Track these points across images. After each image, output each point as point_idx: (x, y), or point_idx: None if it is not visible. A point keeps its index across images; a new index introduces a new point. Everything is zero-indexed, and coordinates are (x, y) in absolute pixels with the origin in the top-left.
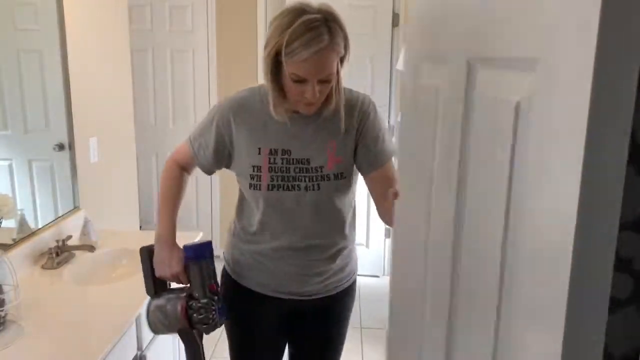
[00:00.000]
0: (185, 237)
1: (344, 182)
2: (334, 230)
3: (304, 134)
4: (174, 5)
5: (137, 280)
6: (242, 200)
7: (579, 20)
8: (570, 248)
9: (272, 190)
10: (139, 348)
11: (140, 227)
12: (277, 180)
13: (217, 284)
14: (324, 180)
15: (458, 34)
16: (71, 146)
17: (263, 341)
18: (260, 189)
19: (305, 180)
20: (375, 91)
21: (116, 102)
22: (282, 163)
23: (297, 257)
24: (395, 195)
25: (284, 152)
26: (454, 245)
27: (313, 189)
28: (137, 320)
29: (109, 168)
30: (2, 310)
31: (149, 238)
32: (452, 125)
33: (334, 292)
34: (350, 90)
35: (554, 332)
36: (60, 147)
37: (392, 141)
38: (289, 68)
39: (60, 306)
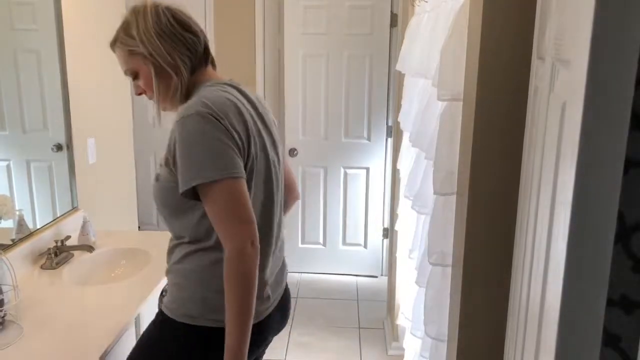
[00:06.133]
0: None
1: (159, 185)
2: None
3: None
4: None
5: (136, 280)
6: None
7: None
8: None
9: None
10: None
11: (139, 227)
12: None
13: None
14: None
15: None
16: (69, 147)
17: None
18: None
19: None
20: (373, 91)
21: (114, 102)
22: None
23: None
24: None
25: None
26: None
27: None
28: (136, 320)
29: (107, 168)
30: (1, 311)
31: (148, 238)
32: (537, 124)
33: None
34: (190, 100)
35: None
36: (59, 147)
37: (190, 169)
38: None
39: (59, 306)
